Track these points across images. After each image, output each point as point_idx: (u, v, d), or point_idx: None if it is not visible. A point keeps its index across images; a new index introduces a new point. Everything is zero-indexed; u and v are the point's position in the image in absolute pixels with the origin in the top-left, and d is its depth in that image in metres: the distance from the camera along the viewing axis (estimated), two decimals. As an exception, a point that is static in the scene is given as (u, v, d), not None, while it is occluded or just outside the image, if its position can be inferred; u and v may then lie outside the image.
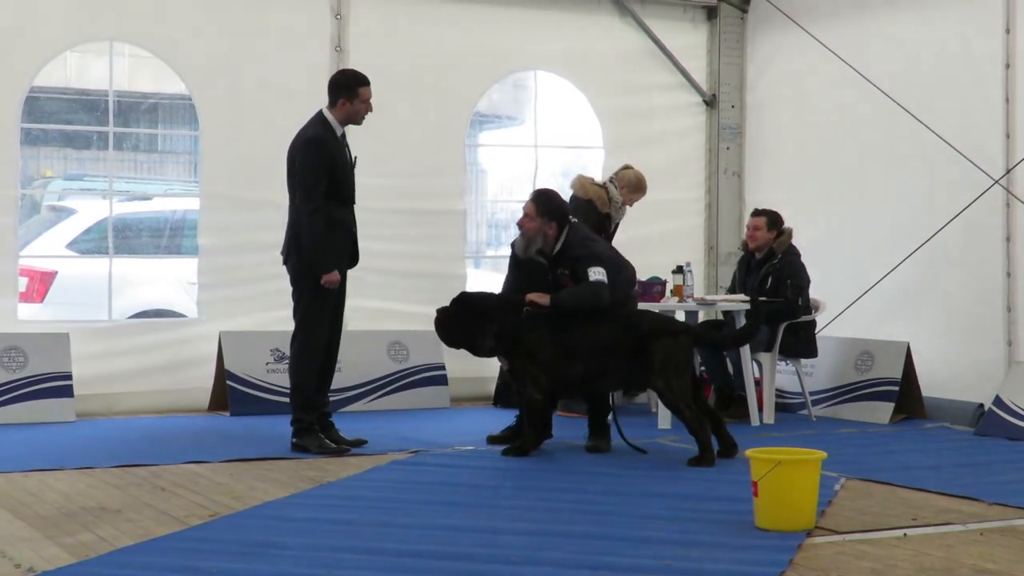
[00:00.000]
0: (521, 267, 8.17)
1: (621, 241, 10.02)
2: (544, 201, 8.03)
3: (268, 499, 6.30)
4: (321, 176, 7.81)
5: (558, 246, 7.99)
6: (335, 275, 7.88)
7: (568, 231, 8.00)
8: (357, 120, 8.05)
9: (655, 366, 7.53)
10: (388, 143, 10.38)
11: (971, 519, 5.91)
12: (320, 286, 7.90)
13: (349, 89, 7.95)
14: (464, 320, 7.81)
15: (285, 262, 8.10)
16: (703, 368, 9.77)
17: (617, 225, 9.79)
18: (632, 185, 9.74)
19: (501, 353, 7.89)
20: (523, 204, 8.11)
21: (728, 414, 9.47)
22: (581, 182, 9.66)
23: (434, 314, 7.97)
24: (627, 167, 9.89)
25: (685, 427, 7.58)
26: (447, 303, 7.94)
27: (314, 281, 7.91)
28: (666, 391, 7.55)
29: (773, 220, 9.70)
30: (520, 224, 8.09)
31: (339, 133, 8.01)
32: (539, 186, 9.40)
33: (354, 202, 8.11)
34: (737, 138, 11.74)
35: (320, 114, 8.05)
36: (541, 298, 7.83)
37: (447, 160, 10.76)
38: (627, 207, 9.78)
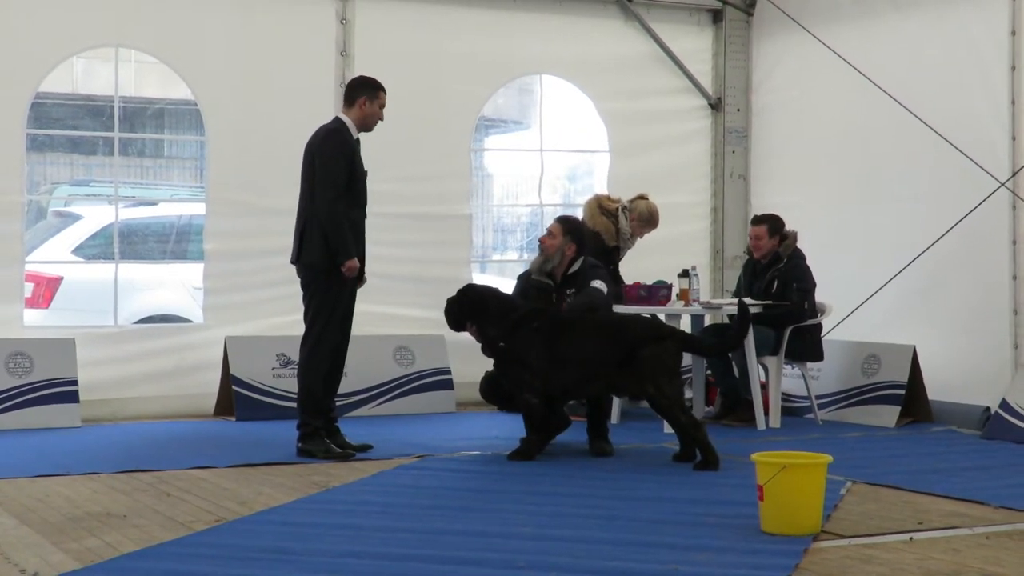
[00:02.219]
0: (527, 295, 8.35)
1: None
2: (570, 222, 8.42)
3: (274, 504, 6.30)
4: (342, 166, 7.85)
5: (572, 268, 8.28)
6: (355, 262, 7.86)
7: (583, 261, 8.31)
8: (371, 124, 8.13)
9: (645, 372, 7.53)
10: (394, 148, 10.37)
11: (978, 523, 5.90)
12: (332, 288, 7.90)
13: (371, 89, 8.06)
14: (466, 309, 7.95)
15: (295, 263, 8.07)
16: (709, 372, 9.77)
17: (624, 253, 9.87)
18: (643, 218, 9.79)
19: (490, 352, 7.93)
20: (549, 225, 8.44)
21: (733, 418, 9.48)
22: (592, 211, 9.71)
23: (438, 318, 8.12)
24: (642, 197, 9.91)
25: (680, 432, 7.57)
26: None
27: (326, 283, 7.90)
28: (658, 397, 7.54)
29: (774, 226, 9.66)
30: (542, 241, 8.39)
31: (355, 136, 8.07)
32: (545, 189, 9.47)
33: (366, 205, 8.13)
34: (743, 142, 11.73)
35: (337, 118, 8.16)
36: None
37: (453, 165, 10.76)
38: (637, 238, 9.84)
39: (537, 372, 7.68)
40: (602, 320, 7.97)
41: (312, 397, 8.00)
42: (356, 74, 10.09)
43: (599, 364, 7.64)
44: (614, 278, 9.66)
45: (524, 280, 8.48)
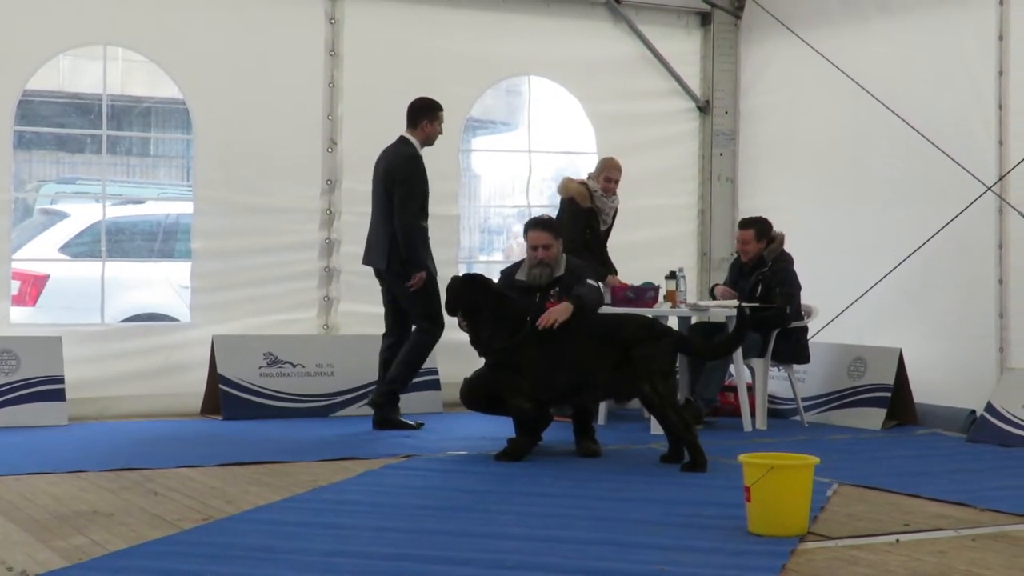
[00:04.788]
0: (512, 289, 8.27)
1: (615, 245, 10.09)
2: (550, 223, 8.37)
3: (261, 503, 6.30)
4: (421, 187, 8.92)
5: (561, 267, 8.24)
6: (423, 274, 8.86)
7: (566, 260, 8.29)
8: (433, 140, 9.08)
9: (639, 371, 7.52)
10: (382, 148, 10.37)
11: (963, 525, 5.92)
12: (430, 282, 8.87)
13: (431, 111, 9.03)
14: (463, 306, 7.89)
15: (387, 268, 8.92)
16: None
17: (615, 215, 9.88)
18: (600, 168, 9.87)
19: (480, 351, 7.92)
20: (531, 237, 8.19)
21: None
22: (565, 183, 9.83)
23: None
24: (607, 158, 10.03)
25: (670, 432, 7.57)
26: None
27: (434, 282, 8.90)
28: (652, 396, 7.53)
29: (761, 230, 9.66)
30: (539, 256, 8.17)
31: (420, 152, 9.02)
32: (532, 191, 9.50)
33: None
34: (730, 144, 11.75)
35: (404, 138, 9.02)
36: (565, 312, 7.76)
37: (441, 165, 10.68)
38: (615, 196, 9.85)
39: (530, 376, 7.67)
40: (596, 321, 7.94)
41: (414, 374, 9.16)
42: (344, 74, 10.25)
43: (595, 366, 7.63)
44: (602, 260, 9.75)
45: (507, 278, 8.39)
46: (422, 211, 8.96)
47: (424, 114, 9.01)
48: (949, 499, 6.51)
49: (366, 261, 9.22)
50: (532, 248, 8.21)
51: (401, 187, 8.87)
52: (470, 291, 7.89)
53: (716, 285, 10.00)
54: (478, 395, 8.15)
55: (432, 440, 8.57)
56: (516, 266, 8.43)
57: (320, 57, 10.29)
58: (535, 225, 8.31)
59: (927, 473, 7.42)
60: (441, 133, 9.13)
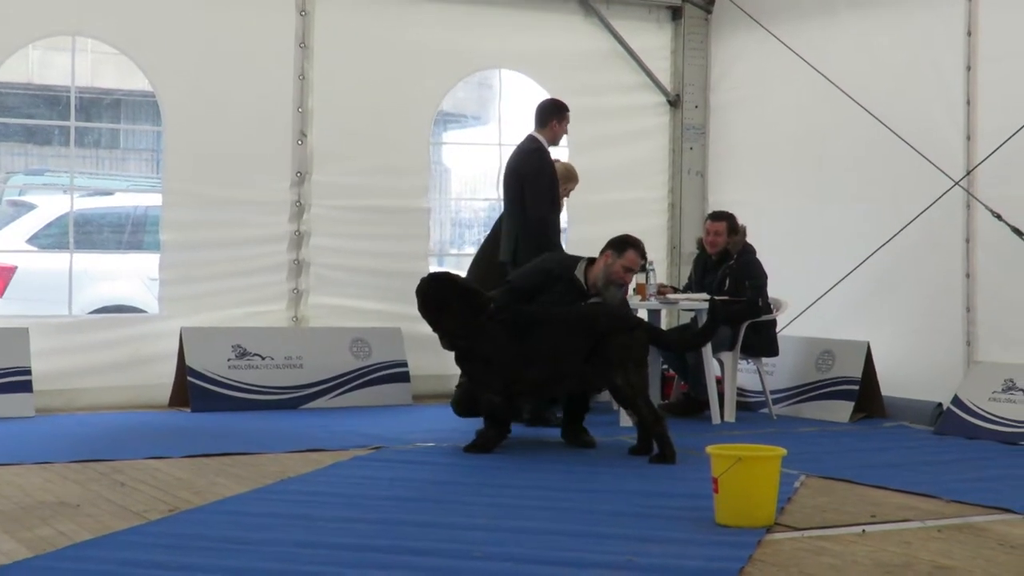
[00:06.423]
0: (553, 281, 8.22)
1: (585, 237, 10.09)
2: (643, 247, 8.37)
3: (228, 494, 6.28)
4: (550, 182, 9.14)
5: None
6: None
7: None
8: (559, 140, 9.39)
9: (613, 363, 7.53)
10: (353, 141, 10.38)
11: (929, 516, 5.95)
12: None
13: (559, 112, 9.29)
14: (431, 303, 7.80)
15: (512, 261, 8.99)
16: (666, 366, 9.82)
17: None
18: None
19: (448, 346, 7.89)
20: (632, 260, 8.19)
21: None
22: None
23: (394, 311, 8.05)
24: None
25: (640, 423, 7.59)
26: (414, 299, 7.94)
27: None
28: (624, 387, 7.55)
29: (733, 224, 9.73)
30: (627, 281, 8.40)
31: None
32: (501, 186, 9.49)
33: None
34: (700, 138, 11.78)
35: (532, 136, 9.25)
36: None
37: (411, 158, 10.75)
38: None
39: (501, 370, 7.66)
40: (570, 312, 7.93)
41: None
42: (315, 66, 10.22)
43: (569, 358, 7.63)
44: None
45: (562, 266, 8.28)
46: (553, 204, 9.16)
47: (552, 114, 9.27)
48: (915, 491, 6.55)
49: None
50: (626, 269, 8.20)
51: (530, 182, 9.07)
52: (440, 290, 7.84)
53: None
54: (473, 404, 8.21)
55: (401, 432, 8.56)
56: (571, 258, 8.39)
57: (290, 49, 10.26)
58: (638, 248, 8.27)
59: (894, 465, 7.46)
60: (567, 132, 9.40)
